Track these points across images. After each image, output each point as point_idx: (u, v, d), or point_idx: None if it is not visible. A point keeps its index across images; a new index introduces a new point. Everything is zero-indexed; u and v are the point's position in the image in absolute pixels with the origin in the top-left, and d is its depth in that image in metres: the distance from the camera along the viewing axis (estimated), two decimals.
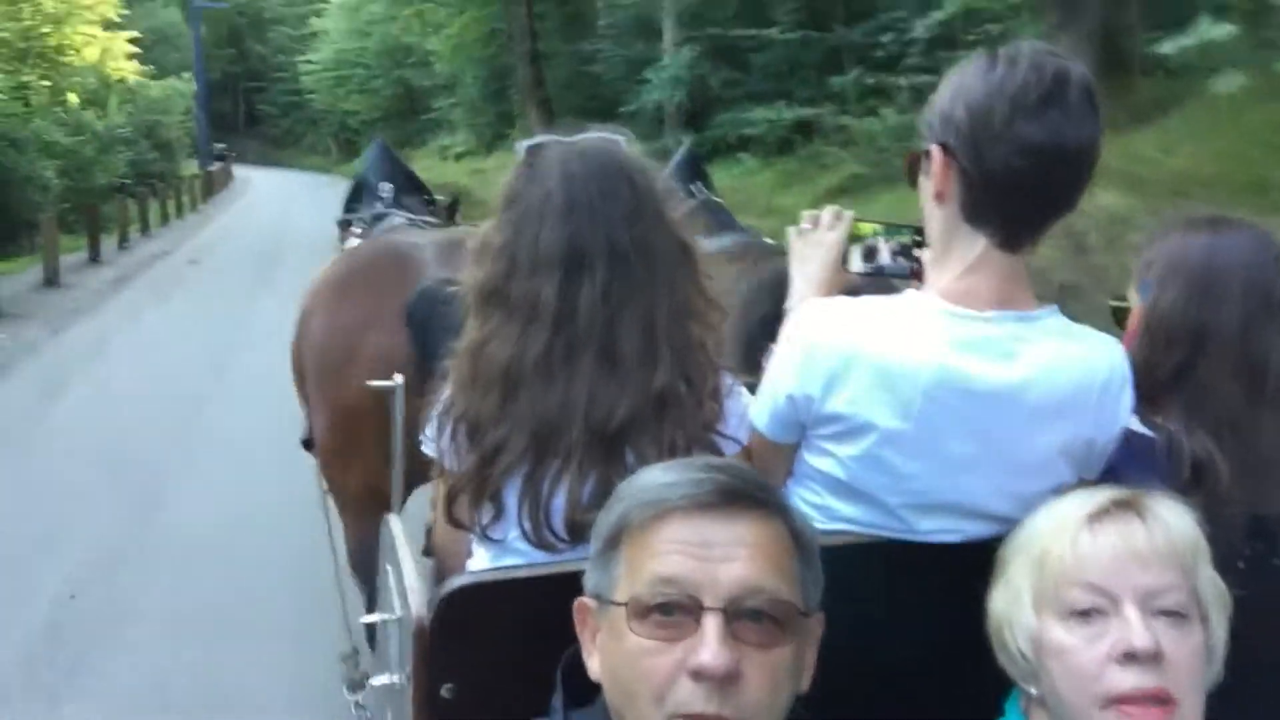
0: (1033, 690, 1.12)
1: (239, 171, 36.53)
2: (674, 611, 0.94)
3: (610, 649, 0.99)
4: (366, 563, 2.45)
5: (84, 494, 4.99)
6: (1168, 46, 8.03)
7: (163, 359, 8.09)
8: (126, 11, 26.20)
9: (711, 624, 0.92)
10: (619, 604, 0.97)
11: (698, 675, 0.92)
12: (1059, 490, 1.22)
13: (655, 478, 1.01)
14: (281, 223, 19.31)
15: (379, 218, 3.34)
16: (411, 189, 3.49)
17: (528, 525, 1.33)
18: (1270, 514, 1.32)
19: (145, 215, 18.13)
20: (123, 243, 15.99)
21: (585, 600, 1.04)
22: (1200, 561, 1.07)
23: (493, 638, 1.22)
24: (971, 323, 1.25)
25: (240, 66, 50.79)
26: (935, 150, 1.27)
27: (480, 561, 1.42)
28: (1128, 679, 1.02)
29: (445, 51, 25.26)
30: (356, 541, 2.67)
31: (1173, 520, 1.07)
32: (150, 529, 4.62)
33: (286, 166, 42.89)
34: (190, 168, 27.70)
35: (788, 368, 1.31)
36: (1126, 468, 1.30)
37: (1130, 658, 1.02)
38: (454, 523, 1.42)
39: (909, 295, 1.31)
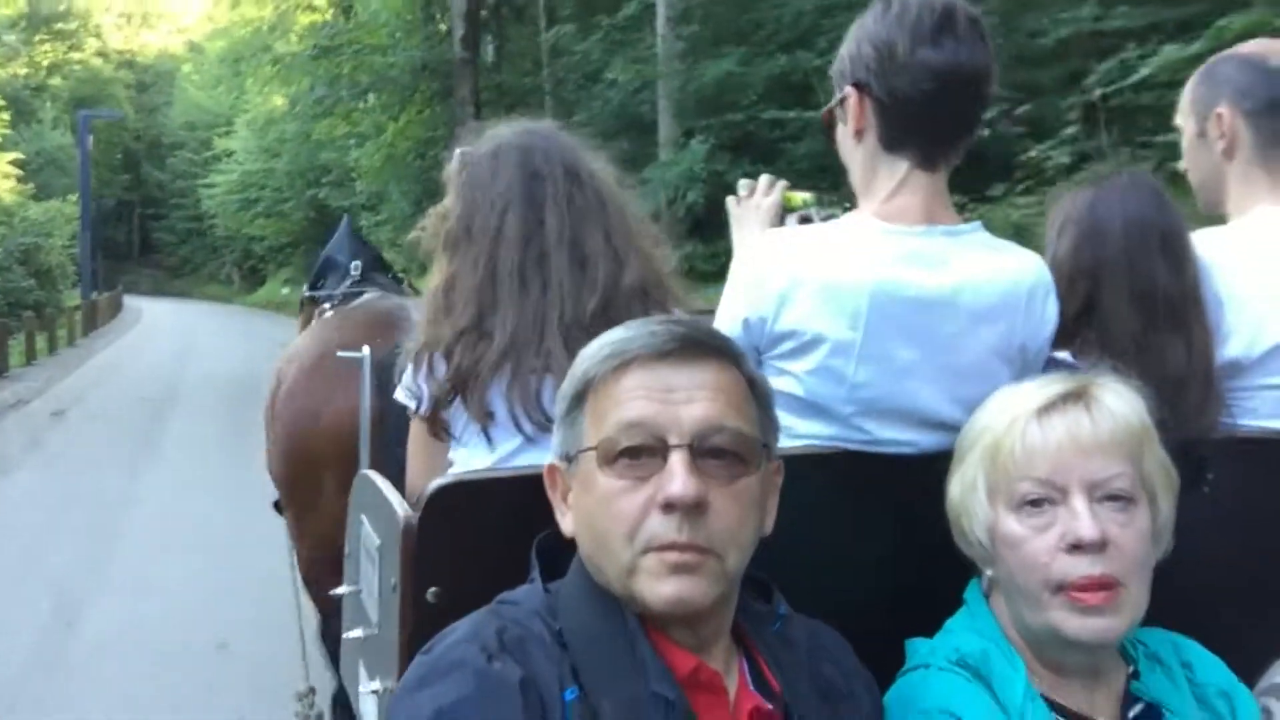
0: (989, 572, 1.22)
1: (130, 301, 34.61)
2: (640, 454, 1.01)
3: (582, 501, 1.06)
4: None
5: None
6: None
7: None
8: (8, 131, 23.26)
9: (678, 458, 1.00)
10: (589, 450, 1.04)
11: (668, 506, 0.98)
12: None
13: (613, 335, 1.08)
14: (176, 362, 16.91)
15: (351, 295, 3.30)
16: (379, 268, 3.51)
17: (519, 412, 1.46)
18: (1194, 438, 1.43)
19: (3, 352, 14.58)
20: None
21: (554, 463, 1.11)
22: (1147, 445, 1.17)
23: (477, 537, 1.27)
24: (906, 237, 1.39)
25: (136, 193, 50.50)
26: (850, 90, 1.45)
27: (466, 456, 1.52)
28: (1077, 567, 1.11)
29: (373, 164, 21.92)
30: (323, 601, 2.67)
31: (1119, 407, 1.16)
32: None
33: (184, 297, 41.82)
34: (74, 298, 24.90)
35: (740, 295, 1.43)
36: None
37: (1078, 547, 1.11)
38: (435, 435, 1.54)
39: (845, 219, 1.47)
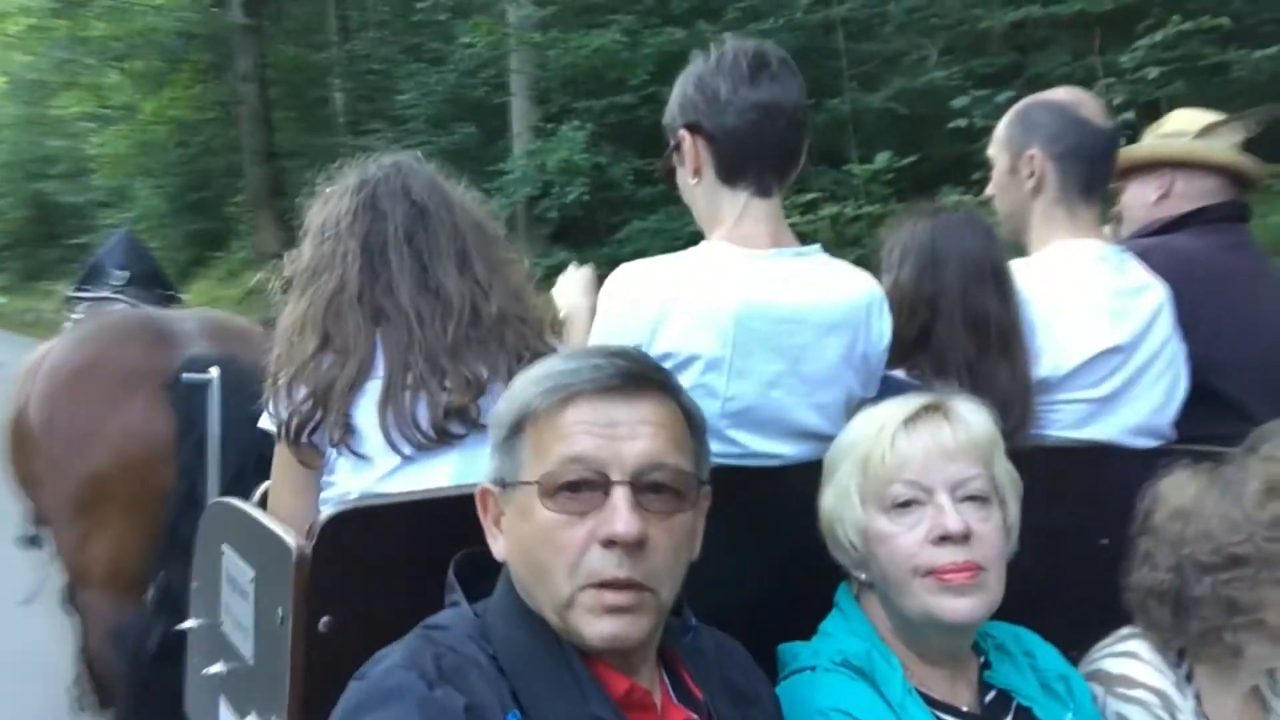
0: (863, 576, 1.33)
1: None
2: (581, 488, 1.04)
3: (518, 529, 1.08)
4: (112, 649, 2.44)
5: None
6: None
7: None
8: None
9: (621, 495, 1.03)
10: (529, 483, 1.06)
11: (610, 543, 1.02)
12: (849, 401, 1.53)
13: (555, 366, 1.11)
14: None
15: (101, 300, 3.24)
16: (155, 283, 3.40)
17: (395, 433, 1.48)
18: (1018, 447, 1.54)
19: None
20: None
21: (488, 486, 1.13)
22: (996, 453, 1.32)
23: (369, 565, 1.28)
24: (761, 260, 1.53)
25: None
26: (684, 134, 1.59)
27: (343, 480, 1.51)
28: (944, 555, 1.24)
29: (117, 152, 18.70)
30: (101, 627, 2.52)
31: (973, 419, 1.32)
32: None
33: None
34: None
35: (615, 322, 1.52)
36: None
37: (945, 539, 1.24)
38: (303, 462, 1.53)
39: (703, 247, 1.58)
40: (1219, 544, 1.36)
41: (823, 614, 1.39)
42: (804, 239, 1.60)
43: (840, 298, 1.55)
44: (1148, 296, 1.88)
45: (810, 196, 7.54)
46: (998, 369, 1.73)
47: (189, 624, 1.62)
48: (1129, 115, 5.80)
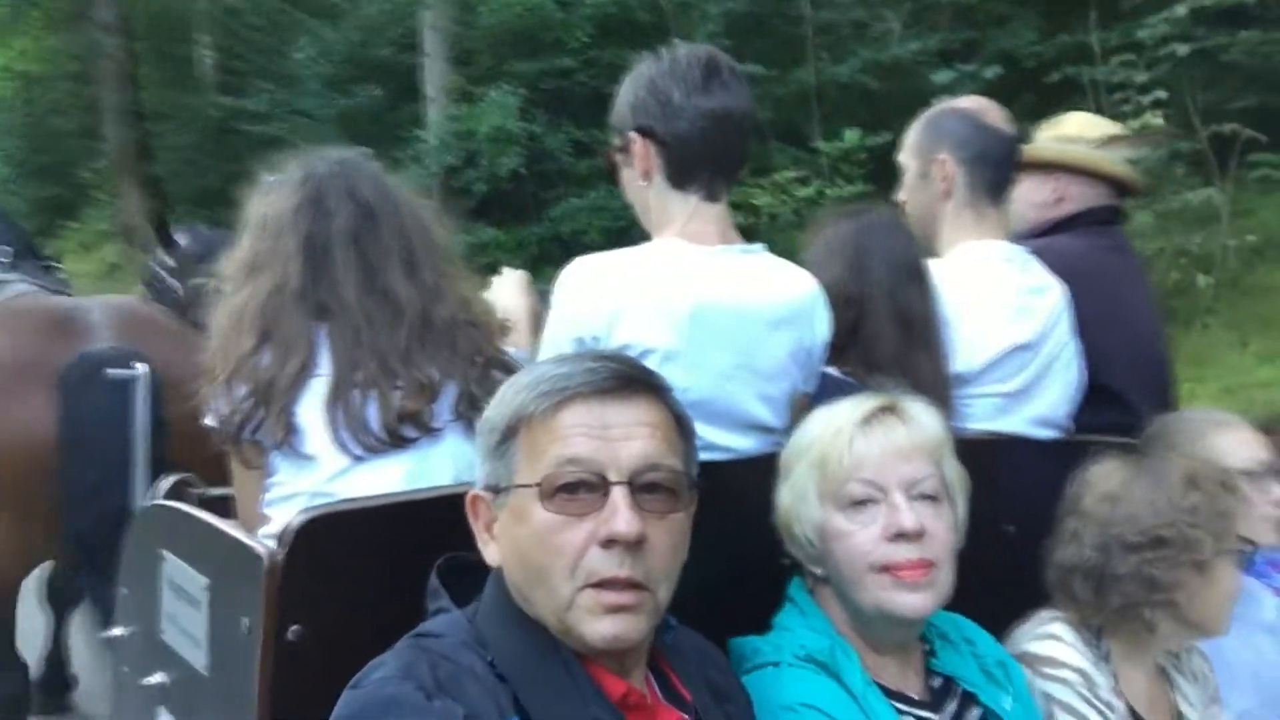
0: (818, 571, 1.38)
1: None
2: (579, 489, 1.06)
3: (514, 533, 1.08)
4: None
5: None
6: None
7: None
8: None
9: (620, 495, 1.05)
10: (527, 486, 1.07)
11: (610, 543, 1.04)
12: (792, 394, 1.62)
13: (548, 370, 1.11)
14: None
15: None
16: (30, 254, 3.29)
17: (345, 434, 1.46)
18: None
19: None
20: None
21: (479, 493, 1.13)
22: (946, 453, 1.39)
23: (338, 571, 1.26)
24: (713, 256, 1.58)
25: None
26: (635, 136, 1.62)
27: (288, 480, 1.49)
28: (899, 552, 1.30)
29: None
30: None
31: (925, 420, 1.38)
32: None
33: None
34: None
35: (571, 316, 1.54)
36: (830, 401, 1.62)
37: (900, 536, 1.30)
38: (245, 462, 1.50)
39: (655, 243, 1.62)
40: (1145, 526, 1.48)
41: (767, 607, 1.43)
42: (772, 219, 1.66)
43: (787, 294, 1.62)
44: (1050, 295, 2.01)
45: (787, 175, 7.20)
46: (921, 364, 1.82)
47: (115, 632, 1.57)
48: (1158, 94, 5.79)
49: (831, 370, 1.80)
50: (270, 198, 1.60)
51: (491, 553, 1.12)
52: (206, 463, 1.77)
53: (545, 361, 1.17)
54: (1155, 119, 5.87)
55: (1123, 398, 2.09)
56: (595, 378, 1.08)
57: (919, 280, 1.88)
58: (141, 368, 2.05)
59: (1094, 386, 2.07)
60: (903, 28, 7.97)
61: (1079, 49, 6.92)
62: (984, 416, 1.93)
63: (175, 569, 1.41)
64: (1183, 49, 6.03)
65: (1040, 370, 1.97)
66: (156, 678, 1.42)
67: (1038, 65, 7.08)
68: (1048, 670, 1.50)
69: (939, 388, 1.82)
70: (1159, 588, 1.47)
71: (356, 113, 10.04)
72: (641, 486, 1.06)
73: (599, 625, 1.03)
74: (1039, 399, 1.96)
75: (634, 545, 1.03)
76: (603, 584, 1.03)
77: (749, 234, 1.72)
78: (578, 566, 1.03)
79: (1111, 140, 2.32)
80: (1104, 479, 1.55)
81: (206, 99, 13.49)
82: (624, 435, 1.06)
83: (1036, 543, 1.59)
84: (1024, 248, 2.09)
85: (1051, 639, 1.54)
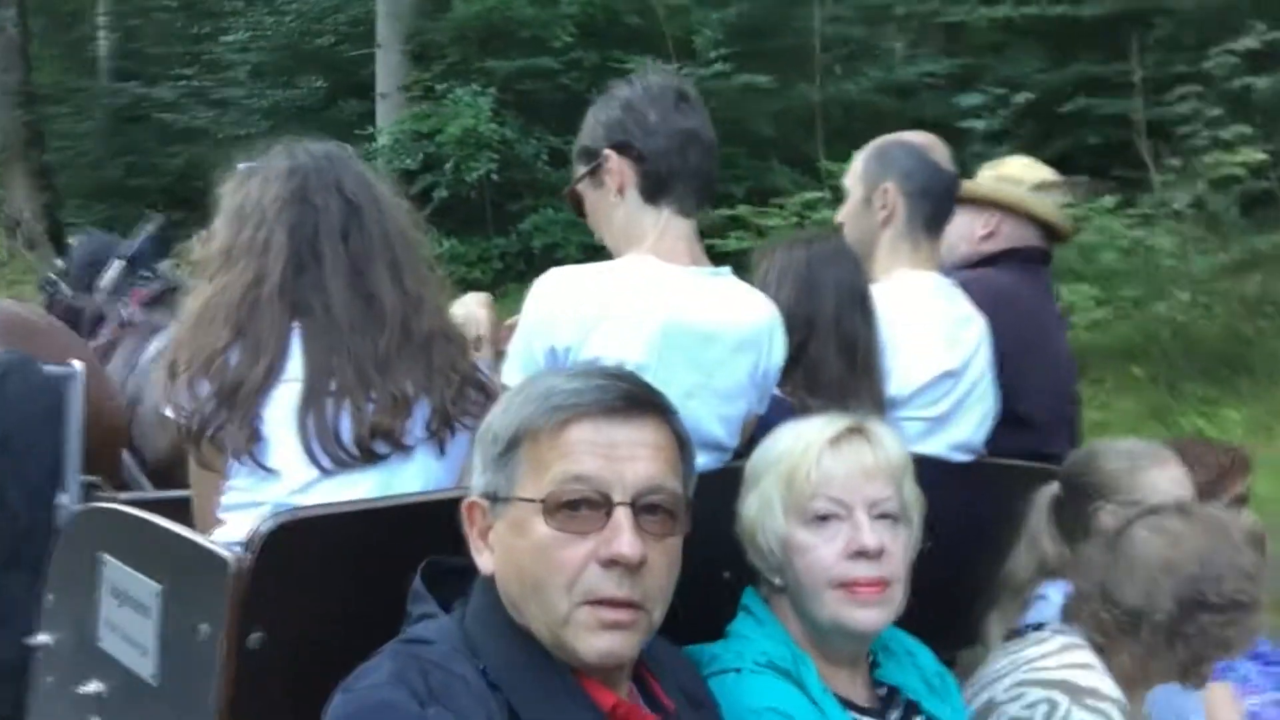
0: (777, 580, 1.42)
1: None
2: (582, 507, 1.06)
3: (512, 544, 1.09)
4: None
5: None
6: None
7: None
8: None
9: (623, 515, 1.06)
10: (529, 500, 1.07)
11: (611, 563, 1.05)
12: (747, 415, 1.68)
13: (557, 384, 1.12)
14: None
15: None
16: None
17: (316, 446, 1.40)
18: None
19: None
20: None
21: (476, 500, 1.13)
22: (907, 476, 1.44)
23: (302, 578, 1.24)
24: (684, 276, 1.63)
25: None
26: (609, 153, 1.67)
27: (248, 488, 1.43)
28: (858, 569, 1.35)
29: None
30: None
31: (890, 443, 1.44)
32: None
33: None
34: None
35: (543, 327, 1.56)
36: (775, 422, 1.63)
37: (861, 554, 1.35)
38: (204, 463, 1.45)
39: (629, 259, 1.65)
40: (1226, 590, 1.52)
41: (710, 618, 1.44)
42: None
43: (749, 318, 1.67)
44: (974, 326, 2.11)
45: (803, 198, 6.80)
46: (862, 389, 1.89)
47: (41, 639, 1.51)
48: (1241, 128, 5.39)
49: (775, 392, 1.85)
50: (249, 185, 1.53)
51: (485, 561, 1.12)
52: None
53: (553, 374, 1.18)
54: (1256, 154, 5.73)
55: (1036, 426, 2.21)
56: (605, 396, 1.09)
57: (864, 308, 1.95)
58: (79, 365, 1.97)
59: (1010, 414, 2.16)
60: (904, 50, 7.93)
61: (1095, 80, 6.71)
62: (909, 439, 1.96)
63: (118, 574, 1.36)
64: (1262, 82, 5.77)
65: (961, 397, 2.05)
66: (92, 686, 1.37)
67: (1047, 94, 6.77)
68: (1091, 702, 1.51)
69: (877, 412, 1.87)
70: (1229, 648, 1.55)
71: (291, 105, 9.46)
72: (643, 508, 1.07)
73: (595, 641, 1.04)
74: (959, 424, 2.05)
75: (634, 566, 1.04)
76: (600, 601, 1.04)
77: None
78: (576, 583, 1.04)
79: (1047, 185, 2.45)
80: (1176, 533, 1.58)
81: (106, 84, 12.69)
82: (629, 456, 1.08)
83: (950, 561, 1.63)
84: (952, 279, 2.18)
85: (1086, 669, 1.56)
